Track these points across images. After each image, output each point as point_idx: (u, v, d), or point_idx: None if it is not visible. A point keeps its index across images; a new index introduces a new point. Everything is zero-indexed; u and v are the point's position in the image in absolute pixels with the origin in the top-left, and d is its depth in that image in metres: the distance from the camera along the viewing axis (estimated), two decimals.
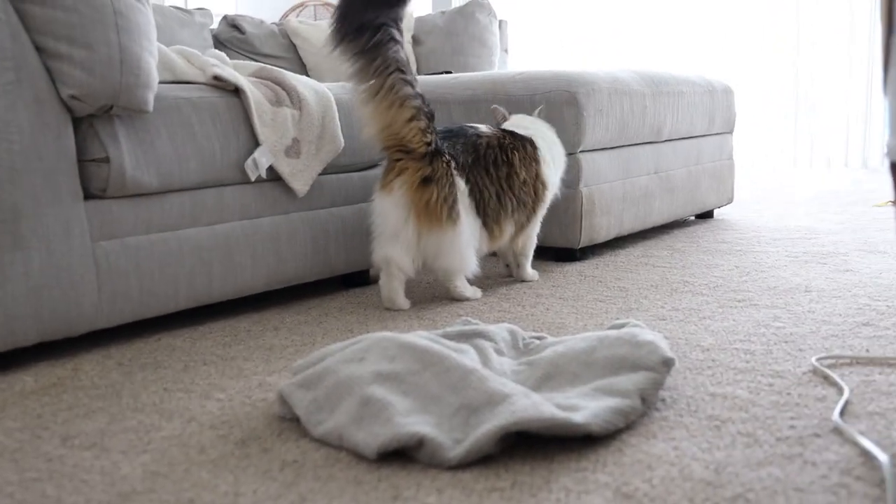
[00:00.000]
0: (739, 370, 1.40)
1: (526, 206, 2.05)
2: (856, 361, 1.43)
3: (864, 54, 5.20)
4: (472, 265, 1.95)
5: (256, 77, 1.97)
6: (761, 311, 1.80)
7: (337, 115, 2.01)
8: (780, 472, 1.01)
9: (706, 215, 3.33)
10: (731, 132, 3.35)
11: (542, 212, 2.15)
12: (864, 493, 0.95)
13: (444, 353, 1.21)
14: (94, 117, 1.57)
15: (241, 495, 0.99)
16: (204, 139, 1.75)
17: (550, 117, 2.35)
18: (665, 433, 1.14)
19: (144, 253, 1.66)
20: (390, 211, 1.86)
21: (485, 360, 1.32)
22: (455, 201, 1.87)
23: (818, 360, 1.43)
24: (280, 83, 1.95)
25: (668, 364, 1.25)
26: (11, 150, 1.45)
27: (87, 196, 1.59)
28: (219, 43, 3.64)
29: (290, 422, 1.23)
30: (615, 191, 2.55)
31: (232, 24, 3.68)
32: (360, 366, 1.22)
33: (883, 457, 1.01)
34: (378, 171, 2.17)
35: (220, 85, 1.84)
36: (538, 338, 1.49)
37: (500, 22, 4.09)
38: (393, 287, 1.91)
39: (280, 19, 4.49)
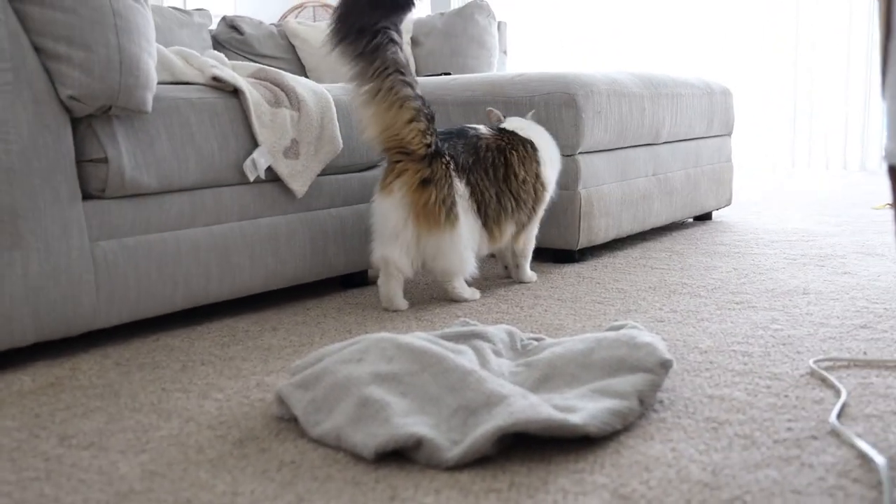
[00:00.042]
0: (737, 372, 1.40)
1: (526, 206, 2.06)
2: (853, 364, 1.43)
3: (862, 57, 5.21)
4: (470, 266, 1.95)
5: (255, 78, 1.97)
6: (759, 313, 1.80)
7: (336, 116, 2.01)
8: (777, 474, 1.01)
9: (705, 217, 3.33)
10: (729, 134, 3.36)
11: (541, 212, 2.15)
12: (862, 496, 0.95)
13: (442, 354, 1.21)
14: (93, 118, 1.57)
15: (238, 495, 0.99)
16: (202, 140, 1.75)
17: (549, 119, 2.35)
18: (663, 435, 1.14)
19: (143, 253, 1.66)
20: (390, 212, 1.86)
21: (483, 362, 1.32)
22: (454, 203, 1.87)
23: (816, 362, 1.43)
24: (279, 84, 1.95)
25: (665, 366, 1.25)
26: (10, 150, 1.45)
27: (86, 196, 1.59)
28: (217, 44, 3.64)
29: (287, 422, 1.23)
30: (614, 192, 2.55)
31: (231, 24, 3.69)
32: (359, 366, 1.22)
33: (880, 459, 1.01)
34: (377, 173, 2.17)
35: (219, 86, 1.84)
36: (536, 339, 1.49)
37: (499, 23, 4.09)
38: (391, 288, 1.92)
39: (279, 20, 4.50)
